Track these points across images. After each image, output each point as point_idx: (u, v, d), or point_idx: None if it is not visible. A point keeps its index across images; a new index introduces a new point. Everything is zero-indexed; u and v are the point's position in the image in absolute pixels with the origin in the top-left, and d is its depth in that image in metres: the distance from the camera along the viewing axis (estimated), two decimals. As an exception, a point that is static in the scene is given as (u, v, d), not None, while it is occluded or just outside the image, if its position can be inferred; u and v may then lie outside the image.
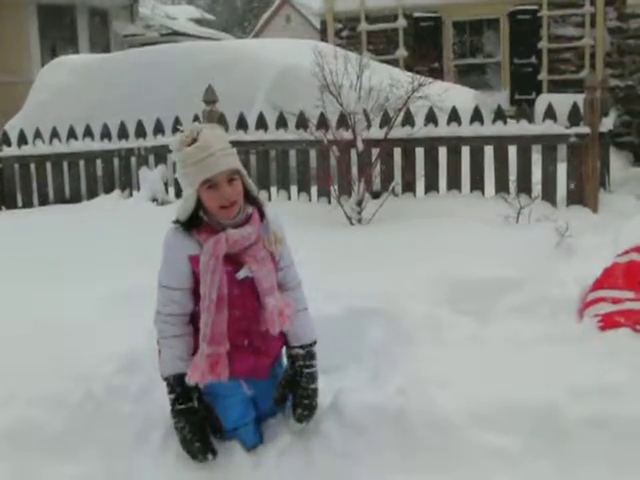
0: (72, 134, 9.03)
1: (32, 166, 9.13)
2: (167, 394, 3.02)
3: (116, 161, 8.84)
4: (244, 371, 3.02)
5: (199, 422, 3.01)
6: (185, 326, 3.02)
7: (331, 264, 5.12)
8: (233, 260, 2.92)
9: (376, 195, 7.38)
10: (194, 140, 2.87)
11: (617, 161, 10.51)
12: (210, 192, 2.87)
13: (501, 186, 7.37)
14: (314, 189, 7.96)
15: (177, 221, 2.96)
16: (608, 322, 4.05)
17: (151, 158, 8.64)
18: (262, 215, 3.04)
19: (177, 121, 8.52)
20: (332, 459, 3.01)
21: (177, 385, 2.99)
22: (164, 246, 2.98)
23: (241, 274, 2.94)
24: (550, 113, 7.38)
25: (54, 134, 9.10)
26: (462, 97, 9.98)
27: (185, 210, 2.91)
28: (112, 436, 3.13)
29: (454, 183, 7.58)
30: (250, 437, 3.14)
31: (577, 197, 7.30)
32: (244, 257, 2.92)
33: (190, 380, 2.93)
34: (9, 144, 9.24)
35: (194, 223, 2.93)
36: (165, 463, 3.00)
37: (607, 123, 7.90)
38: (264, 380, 3.14)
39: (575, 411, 3.04)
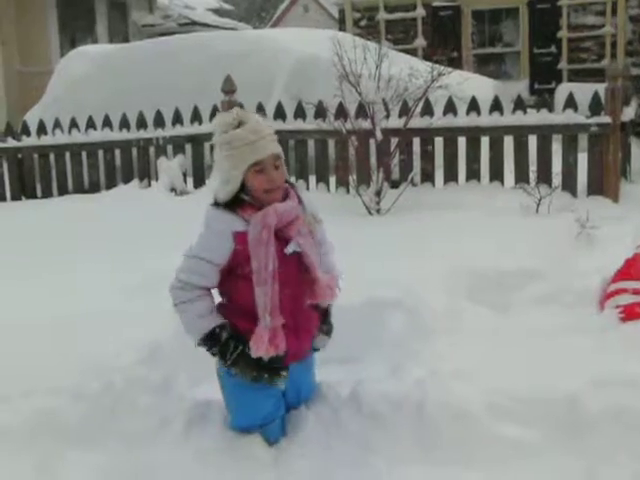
0: (91, 124, 9.06)
1: (51, 156, 9.17)
2: (211, 353, 2.94)
3: (135, 151, 8.86)
4: (289, 355, 2.97)
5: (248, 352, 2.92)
6: (200, 291, 2.94)
7: (349, 254, 5.07)
8: (278, 236, 2.90)
9: (395, 185, 7.36)
10: (241, 122, 2.88)
11: (638, 151, 10.41)
12: (258, 175, 2.88)
13: (521, 176, 7.32)
14: (333, 179, 7.95)
15: (216, 202, 2.94)
16: (629, 313, 4.02)
17: (169, 148, 8.66)
18: (297, 197, 3.05)
19: (196, 111, 8.55)
20: (350, 449, 3.00)
21: (211, 341, 2.91)
22: (207, 220, 2.93)
23: (290, 248, 2.92)
24: (571, 102, 7.33)
25: (73, 124, 9.13)
26: (481, 87, 9.93)
27: (228, 192, 2.90)
28: (132, 427, 3.14)
29: (473, 173, 7.54)
30: (276, 433, 3.10)
31: (598, 187, 7.25)
32: (289, 232, 2.91)
33: (256, 353, 2.87)
34: (29, 134, 9.28)
35: (235, 204, 2.91)
36: (184, 455, 3.00)
37: (628, 112, 7.81)
38: (301, 362, 3.11)
39: (596, 402, 3.02)
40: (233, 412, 3.09)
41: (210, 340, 2.91)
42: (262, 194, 2.89)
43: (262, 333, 2.87)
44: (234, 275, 2.92)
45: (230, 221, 2.88)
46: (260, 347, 2.87)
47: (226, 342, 2.89)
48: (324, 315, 3.17)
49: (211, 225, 2.91)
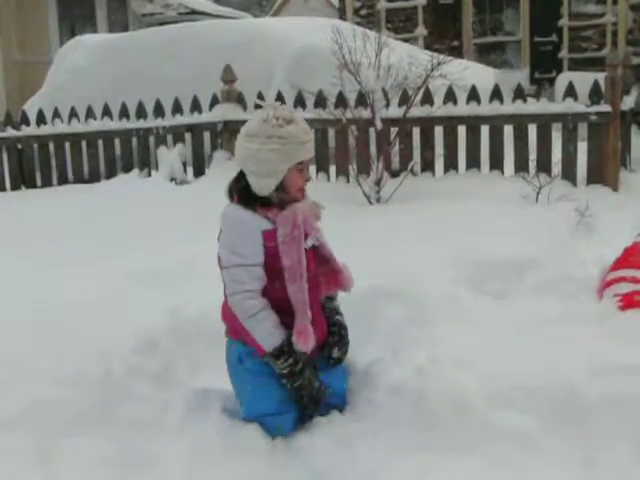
0: (90, 114, 9.05)
1: (51, 146, 9.16)
2: (280, 364, 2.96)
3: (134, 140, 8.86)
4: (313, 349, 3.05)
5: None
6: (264, 299, 3.00)
7: (350, 243, 5.08)
8: None
9: (395, 174, 7.36)
10: (292, 120, 2.96)
11: (639, 140, 10.40)
12: (299, 173, 3.00)
13: (521, 165, 7.32)
14: (333, 168, 7.94)
15: (244, 197, 2.98)
16: (628, 302, 4.02)
17: (169, 137, 8.65)
18: None
19: (195, 100, 8.54)
20: (349, 436, 3.01)
21: (289, 348, 2.95)
22: (235, 224, 2.97)
23: (309, 242, 3.04)
24: (570, 91, 7.32)
25: (73, 114, 9.13)
26: (482, 76, 9.91)
27: (268, 186, 2.96)
28: (131, 415, 3.14)
29: (473, 162, 7.54)
30: (289, 427, 3.08)
31: (597, 176, 7.24)
32: (307, 228, 3.02)
33: (305, 347, 2.95)
34: (28, 124, 9.27)
35: (256, 203, 2.97)
36: (184, 443, 3.00)
37: (629, 101, 7.80)
38: (337, 369, 3.22)
39: (594, 391, 3.03)
40: (247, 400, 3.07)
41: (284, 350, 2.96)
42: (296, 192, 3.01)
43: (308, 327, 2.96)
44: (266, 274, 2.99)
45: (257, 221, 2.95)
46: (309, 341, 2.96)
47: (294, 360, 2.98)
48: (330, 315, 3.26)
49: (242, 227, 2.96)
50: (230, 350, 3.15)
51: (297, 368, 2.97)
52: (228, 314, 3.08)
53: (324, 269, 3.13)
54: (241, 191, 3.00)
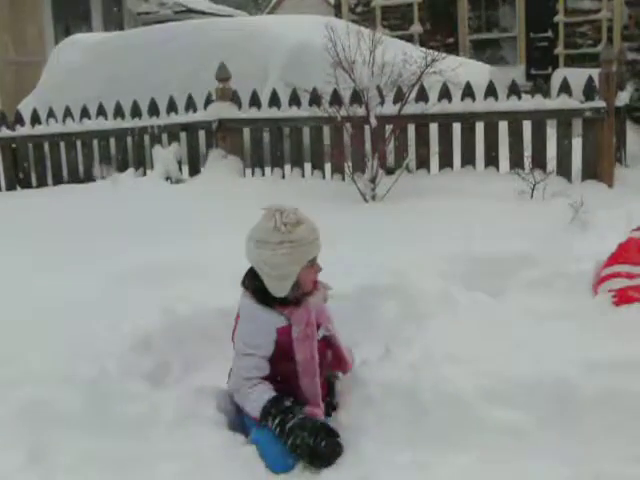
0: (85, 113, 9.03)
1: (46, 145, 9.15)
2: (270, 425, 3.04)
3: (129, 140, 8.84)
4: None
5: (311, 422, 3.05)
6: (260, 379, 3.17)
7: (345, 241, 5.10)
8: None
9: (390, 171, 7.35)
10: (299, 222, 3.09)
11: (634, 136, 10.39)
12: (310, 269, 3.15)
13: (516, 162, 7.31)
14: (328, 166, 7.94)
15: (263, 297, 3.14)
16: (622, 297, 4.02)
17: (164, 136, 8.63)
18: None
19: (190, 99, 8.53)
20: (343, 433, 3.02)
21: (275, 409, 3.05)
22: (249, 316, 3.18)
23: (320, 333, 3.23)
24: (565, 87, 7.31)
25: (67, 113, 9.11)
26: (477, 72, 9.90)
27: (286, 287, 3.11)
28: (125, 414, 3.14)
29: (468, 159, 7.54)
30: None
31: (592, 172, 7.24)
32: (318, 319, 3.21)
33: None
34: (23, 123, 9.26)
35: (272, 300, 3.14)
36: (178, 442, 3.00)
37: (623, 97, 7.81)
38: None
39: (589, 386, 3.03)
40: (269, 458, 3.04)
41: (270, 412, 3.05)
42: (309, 285, 3.17)
43: (318, 413, 3.13)
44: (276, 363, 3.17)
45: (273, 318, 3.13)
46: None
47: (288, 408, 3.05)
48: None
49: (254, 321, 3.15)
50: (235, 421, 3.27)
51: (286, 427, 3.00)
52: None
53: (331, 355, 3.31)
54: (258, 291, 3.16)
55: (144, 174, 8.60)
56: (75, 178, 8.98)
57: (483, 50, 15.28)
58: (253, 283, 3.17)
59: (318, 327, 3.21)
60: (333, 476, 2.78)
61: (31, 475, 2.82)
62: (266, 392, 3.10)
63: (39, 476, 2.81)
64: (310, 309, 3.15)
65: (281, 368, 3.16)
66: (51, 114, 9.20)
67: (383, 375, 3.16)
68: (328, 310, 3.36)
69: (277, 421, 3.02)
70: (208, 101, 8.42)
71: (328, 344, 3.28)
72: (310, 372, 3.13)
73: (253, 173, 8.26)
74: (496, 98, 7.49)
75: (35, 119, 9.22)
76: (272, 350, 3.14)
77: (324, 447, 2.95)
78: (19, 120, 9.30)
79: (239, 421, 3.23)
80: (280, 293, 3.12)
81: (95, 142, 8.98)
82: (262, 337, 3.13)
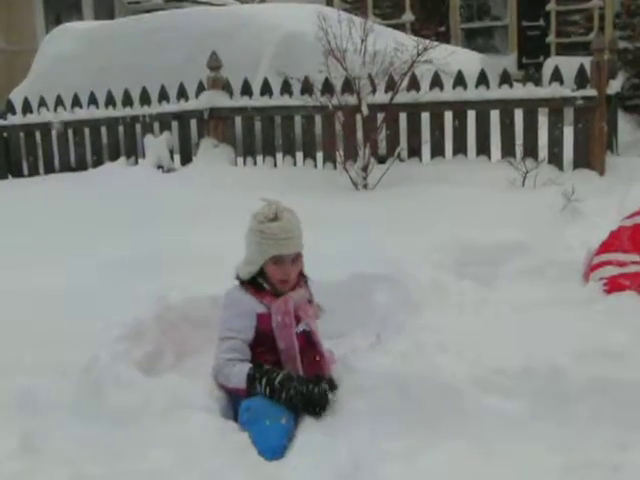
0: (76, 102, 9.00)
1: (37, 134, 9.12)
2: (260, 390, 3.11)
3: (121, 128, 8.83)
4: None
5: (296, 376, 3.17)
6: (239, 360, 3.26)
7: (337, 229, 5.11)
8: None
9: (382, 160, 7.36)
10: (276, 217, 3.26)
11: (626, 124, 10.42)
12: (275, 267, 3.28)
13: (507, 150, 7.33)
14: (319, 155, 7.94)
15: (239, 279, 3.35)
16: (613, 285, 4.04)
17: (156, 125, 8.61)
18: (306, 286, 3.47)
19: (182, 87, 8.51)
20: (332, 420, 3.03)
21: (259, 372, 3.14)
22: (231, 301, 3.33)
23: (300, 327, 3.31)
24: (557, 76, 7.32)
25: (59, 102, 9.08)
26: (468, 61, 9.91)
27: (248, 273, 3.32)
28: (118, 403, 3.13)
29: (460, 148, 7.55)
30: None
31: (584, 160, 7.26)
32: (298, 314, 3.31)
33: None
34: (14, 112, 9.22)
35: (253, 287, 3.31)
36: (170, 431, 3.00)
37: (615, 86, 7.82)
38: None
39: (580, 374, 3.03)
40: (259, 439, 3.03)
41: (255, 376, 3.14)
42: (278, 283, 3.30)
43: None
44: (261, 353, 3.29)
45: (252, 303, 3.28)
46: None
47: (271, 369, 3.16)
48: None
49: (236, 306, 3.30)
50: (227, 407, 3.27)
51: (276, 383, 3.09)
52: None
53: (309, 353, 3.35)
54: (237, 273, 3.35)
55: (136, 163, 8.60)
56: (67, 167, 8.97)
57: (475, 39, 15.28)
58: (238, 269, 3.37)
59: (298, 321, 3.30)
60: (325, 463, 2.79)
61: (23, 463, 2.81)
62: (246, 365, 3.19)
63: (31, 463, 2.80)
64: (288, 300, 3.27)
65: (265, 358, 3.25)
66: (42, 103, 9.16)
67: (375, 364, 3.16)
68: (313, 313, 3.44)
69: (264, 381, 3.10)
70: (200, 90, 8.40)
71: (307, 340, 3.33)
72: (291, 358, 3.25)
73: (245, 162, 8.26)
74: (488, 87, 7.49)
75: (27, 108, 9.19)
76: (252, 335, 3.25)
77: (317, 393, 3.06)
78: (10, 109, 9.26)
79: (231, 408, 3.23)
80: (244, 276, 3.31)
81: (87, 131, 8.95)
82: (242, 320, 3.25)
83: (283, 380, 3.09)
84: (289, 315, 3.25)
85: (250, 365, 3.19)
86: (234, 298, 3.32)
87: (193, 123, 8.48)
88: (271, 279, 3.30)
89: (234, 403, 3.24)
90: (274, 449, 2.96)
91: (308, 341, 3.33)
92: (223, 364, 3.22)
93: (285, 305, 3.26)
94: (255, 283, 3.31)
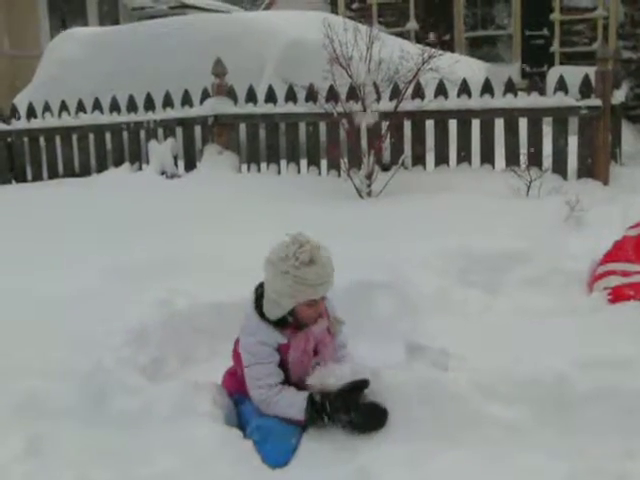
0: (81, 107, 9.02)
1: (41, 139, 9.14)
2: (322, 421, 3.06)
3: (125, 134, 8.83)
4: None
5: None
6: (279, 386, 3.17)
7: (340, 237, 5.09)
8: None
9: (386, 168, 7.36)
10: (312, 261, 3.02)
11: (629, 134, 10.42)
12: (309, 308, 3.12)
13: (511, 159, 7.33)
14: (324, 162, 7.94)
15: (262, 313, 3.16)
16: (617, 295, 4.04)
17: (160, 131, 8.62)
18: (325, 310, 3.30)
19: (186, 94, 8.52)
20: (336, 428, 3.03)
21: (315, 406, 3.06)
22: (255, 332, 3.14)
23: (313, 362, 3.20)
24: (561, 85, 7.32)
25: (63, 107, 9.09)
26: (473, 69, 9.92)
27: (275, 315, 3.13)
28: (122, 408, 3.15)
29: (464, 156, 7.55)
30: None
31: (588, 170, 7.25)
32: (317, 346, 3.20)
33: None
34: (18, 117, 9.24)
35: (277, 321, 3.15)
36: (174, 436, 3.00)
37: (619, 95, 7.82)
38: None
39: (583, 383, 3.04)
40: (267, 456, 3.02)
41: (313, 417, 3.06)
42: (306, 320, 3.15)
43: None
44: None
45: (274, 335, 3.13)
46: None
47: (322, 402, 3.06)
48: None
49: (257, 336, 3.14)
50: (234, 409, 3.26)
51: (335, 406, 3.02)
52: (229, 381, 3.33)
53: None
54: (261, 306, 3.18)
55: (140, 169, 8.61)
56: (71, 172, 8.97)
57: (479, 47, 15.28)
58: (260, 297, 3.19)
59: (316, 354, 3.20)
60: (330, 471, 2.79)
61: (28, 467, 2.82)
62: (295, 394, 3.11)
63: (36, 468, 2.82)
64: (310, 338, 3.16)
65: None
66: (47, 108, 9.18)
67: (378, 370, 3.16)
68: (343, 337, 3.35)
69: (324, 417, 3.04)
70: (204, 96, 8.41)
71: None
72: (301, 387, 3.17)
73: (249, 169, 8.26)
74: (492, 95, 7.49)
75: (31, 113, 9.20)
76: (278, 359, 3.15)
77: (359, 418, 2.99)
78: (15, 114, 9.28)
79: (235, 416, 3.23)
80: (271, 316, 3.14)
81: (91, 136, 8.96)
82: (266, 348, 3.14)
83: (333, 412, 3.02)
84: (307, 354, 3.17)
85: (303, 395, 3.09)
86: (254, 329, 3.16)
87: (197, 129, 8.49)
88: (300, 318, 3.15)
89: (238, 410, 3.23)
90: (279, 465, 2.96)
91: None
92: (265, 393, 3.12)
93: (305, 343, 3.15)
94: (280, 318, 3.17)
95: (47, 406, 3.15)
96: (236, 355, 3.28)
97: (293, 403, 3.07)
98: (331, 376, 3.11)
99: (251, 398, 3.17)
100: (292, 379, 3.17)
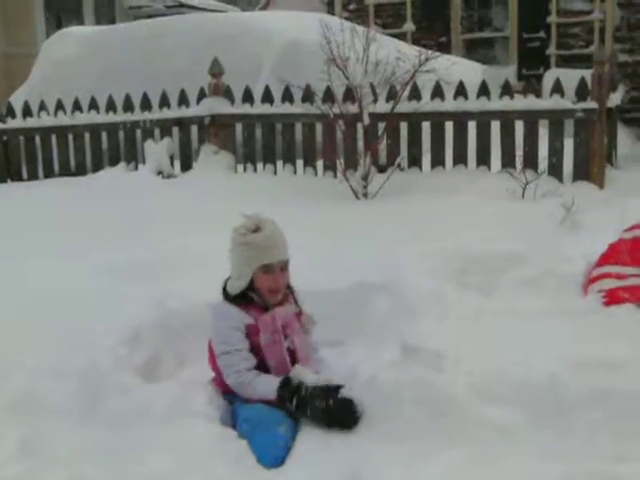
0: (77, 106, 9.01)
1: (37, 138, 9.12)
2: (291, 404, 3.13)
3: (121, 134, 8.82)
4: None
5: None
6: (254, 371, 3.28)
7: (336, 238, 5.12)
8: None
9: (382, 169, 7.37)
10: (258, 228, 3.28)
11: (625, 137, 10.44)
12: (265, 276, 3.30)
13: (507, 161, 7.34)
14: (320, 163, 7.95)
15: (226, 293, 3.35)
16: (612, 298, 4.05)
17: (156, 131, 8.61)
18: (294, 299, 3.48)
19: (183, 94, 8.52)
20: (331, 428, 3.03)
21: (289, 386, 3.15)
22: (220, 317, 3.33)
23: (285, 344, 3.32)
24: (557, 88, 7.34)
25: (59, 106, 9.08)
26: (469, 71, 9.93)
27: (238, 287, 3.32)
28: (117, 407, 3.15)
29: (460, 158, 7.55)
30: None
31: (583, 173, 7.27)
32: (285, 330, 3.34)
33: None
34: (14, 116, 9.22)
35: (242, 300, 3.33)
36: (169, 435, 3.01)
37: (615, 98, 7.84)
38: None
39: (578, 385, 3.04)
40: (259, 449, 3.04)
41: (284, 396, 3.15)
42: (267, 292, 3.32)
43: None
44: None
45: (240, 316, 3.29)
46: None
47: (298, 385, 3.16)
48: None
49: (225, 320, 3.31)
50: (228, 409, 3.29)
51: (306, 396, 3.10)
52: (218, 382, 3.39)
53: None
54: (224, 289, 3.38)
55: (136, 168, 8.59)
56: (66, 171, 8.96)
57: (475, 49, 15.29)
58: (225, 282, 3.39)
59: (285, 337, 3.32)
60: (325, 472, 2.79)
61: (22, 466, 2.82)
62: (271, 378, 3.22)
63: (30, 467, 2.81)
64: (276, 317, 3.29)
65: (259, 364, 3.29)
66: (43, 107, 9.17)
67: (374, 372, 3.17)
68: (299, 328, 3.41)
69: (295, 401, 3.11)
70: (201, 96, 8.41)
71: (292, 357, 3.34)
72: (284, 372, 3.25)
73: (245, 169, 8.26)
74: (489, 97, 7.50)
75: (27, 112, 9.19)
76: (248, 344, 3.27)
77: (336, 406, 3.05)
78: (10, 113, 9.26)
79: (230, 416, 3.24)
80: (234, 290, 3.32)
81: (87, 135, 8.95)
82: (234, 332, 3.27)
83: (309, 397, 3.09)
84: (278, 333, 3.28)
85: (280, 378, 3.19)
86: (222, 312, 3.33)
87: (194, 129, 8.48)
88: (261, 289, 3.31)
89: (233, 410, 3.24)
90: (273, 459, 2.97)
91: (292, 359, 3.33)
92: (244, 375, 3.23)
93: (272, 323, 3.28)
94: (243, 296, 3.32)
95: (42, 405, 3.15)
96: (211, 354, 3.37)
97: (269, 384, 3.18)
98: (311, 374, 3.21)
99: (229, 385, 3.26)
100: (271, 367, 3.27)
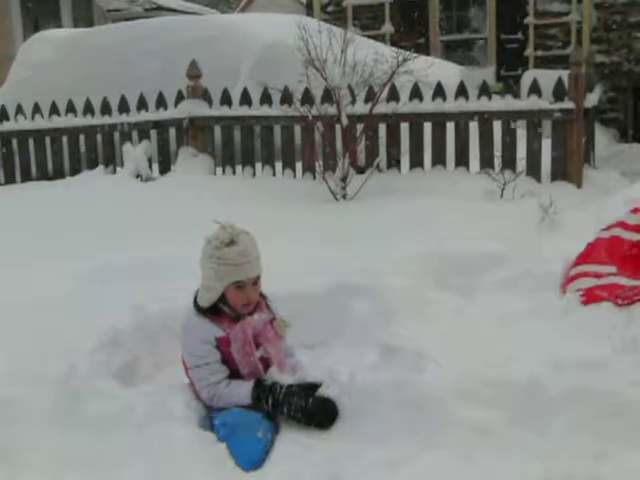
0: (54, 110, 8.95)
1: (14, 142, 9.06)
2: (267, 404, 3.15)
3: (99, 137, 8.77)
4: None
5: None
6: (226, 380, 3.26)
7: (315, 240, 5.11)
8: None
9: (361, 171, 7.37)
10: (232, 242, 3.17)
11: (603, 137, 10.52)
12: (237, 292, 3.23)
13: (486, 162, 7.36)
14: (299, 165, 7.94)
15: (197, 306, 3.28)
16: (590, 296, 4.06)
17: (134, 134, 8.58)
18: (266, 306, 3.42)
19: (161, 96, 8.48)
20: (311, 430, 3.04)
21: (263, 386, 3.18)
22: (189, 331, 3.28)
23: (258, 353, 3.29)
24: (535, 88, 7.37)
25: (36, 110, 9.02)
26: (448, 73, 9.96)
27: (208, 300, 3.25)
28: (96, 412, 3.12)
29: (439, 159, 7.57)
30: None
31: (561, 173, 7.31)
32: (258, 339, 3.29)
33: None
34: (-9, 120, 9.15)
35: (213, 311, 3.26)
36: (149, 440, 2.99)
37: (592, 99, 7.88)
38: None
39: (557, 384, 3.05)
40: (238, 453, 3.03)
41: (259, 397, 3.17)
42: (240, 307, 3.25)
43: None
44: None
45: (210, 328, 3.24)
46: None
47: (272, 385, 3.19)
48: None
49: (195, 333, 3.26)
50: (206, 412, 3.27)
51: (281, 397, 3.13)
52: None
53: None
54: (195, 301, 3.31)
55: (114, 171, 8.55)
56: (44, 175, 8.90)
57: (454, 51, 15.34)
58: (196, 294, 3.33)
59: (258, 346, 3.28)
60: (304, 474, 2.78)
61: (0, 473, 2.79)
62: (242, 383, 3.21)
63: (7, 475, 2.79)
64: (246, 327, 3.24)
65: (231, 374, 3.27)
66: (20, 111, 9.10)
67: (353, 374, 3.17)
68: (273, 336, 3.36)
69: (270, 399, 3.13)
70: (179, 99, 8.37)
71: (266, 366, 3.32)
72: (252, 378, 3.24)
73: (224, 171, 8.23)
74: (467, 98, 7.52)
75: (3, 116, 9.12)
76: (219, 355, 3.24)
77: (315, 405, 3.07)
78: (-13, 116, 9.19)
79: (209, 419, 3.22)
80: (204, 303, 3.25)
81: (64, 139, 8.89)
82: (204, 345, 3.23)
83: (285, 396, 3.11)
84: (249, 343, 3.24)
85: (251, 382, 3.19)
86: (191, 325, 3.28)
87: (172, 132, 8.45)
88: (232, 303, 3.25)
89: (212, 415, 3.22)
90: (252, 461, 2.96)
91: (266, 367, 3.31)
92: (215, 388, 3.21)
93: (243, 333, 3.24)
94: (213, 308, 3.26)
95: (19, 411, 3.11)
96: (185, 365, 3.34)
97: (241, 389, 3.18)
98: (285, 375, 3.24)
99: (203, 400, 3.23)
100: (244, 376, 3.25)
